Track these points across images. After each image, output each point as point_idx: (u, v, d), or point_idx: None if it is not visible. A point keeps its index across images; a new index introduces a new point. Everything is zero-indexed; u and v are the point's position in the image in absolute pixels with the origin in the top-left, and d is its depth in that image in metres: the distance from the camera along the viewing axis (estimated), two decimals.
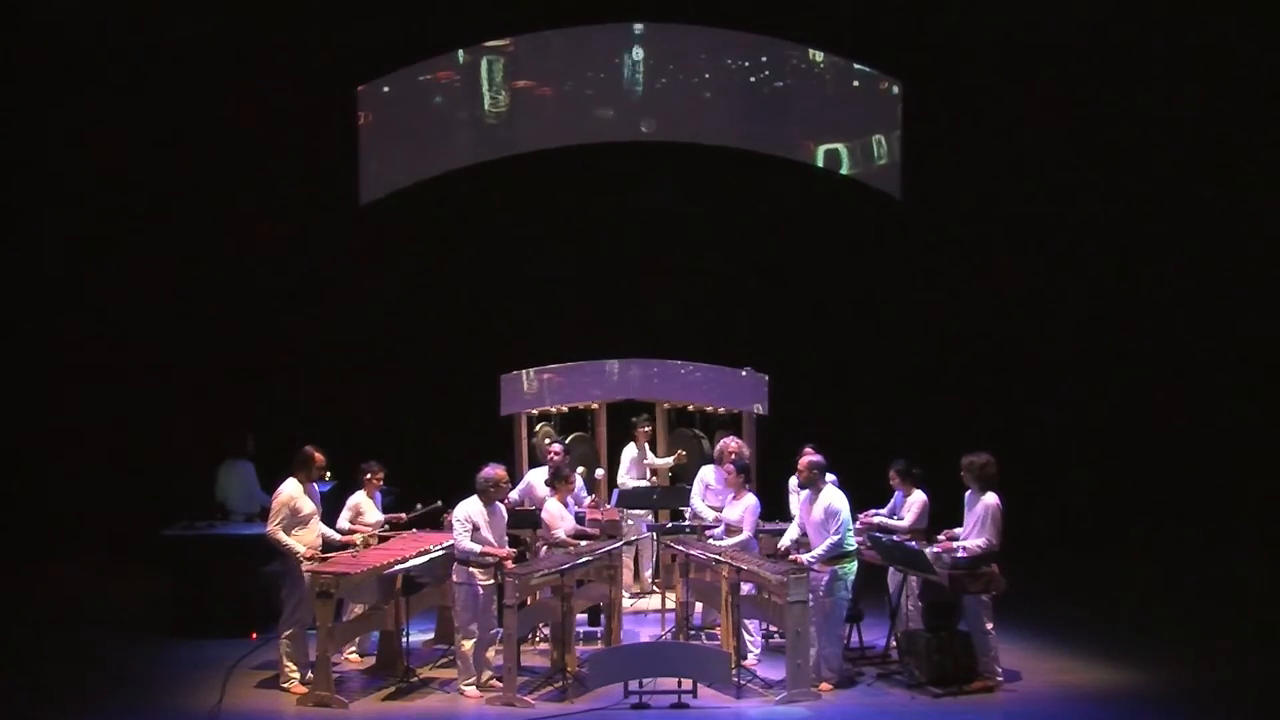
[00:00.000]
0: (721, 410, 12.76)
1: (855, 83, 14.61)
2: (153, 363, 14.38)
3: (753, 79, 14.47)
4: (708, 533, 10.93)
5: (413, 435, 14.23)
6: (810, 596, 9.62)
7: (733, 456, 10.92)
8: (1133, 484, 14.34)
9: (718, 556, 10.26)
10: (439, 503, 10.85)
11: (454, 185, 14.39)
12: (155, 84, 14.19)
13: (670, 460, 12.82)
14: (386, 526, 10.79)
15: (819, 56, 14.58)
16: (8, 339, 14.22)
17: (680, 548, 10.74)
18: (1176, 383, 14.62)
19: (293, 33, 14.17)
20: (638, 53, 14.41)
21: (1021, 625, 11.13)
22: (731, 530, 10.63)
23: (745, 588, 10.24)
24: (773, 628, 10.89)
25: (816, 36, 14.51)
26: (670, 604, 11.29)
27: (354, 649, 10.84)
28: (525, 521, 10.84)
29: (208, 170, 14.33)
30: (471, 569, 9.74)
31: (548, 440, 12.28)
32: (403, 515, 10.92)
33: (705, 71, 14.48)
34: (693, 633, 11.10)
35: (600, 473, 12.70)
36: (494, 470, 9.97)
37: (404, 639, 10.26)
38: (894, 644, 10.41)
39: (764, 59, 14.45)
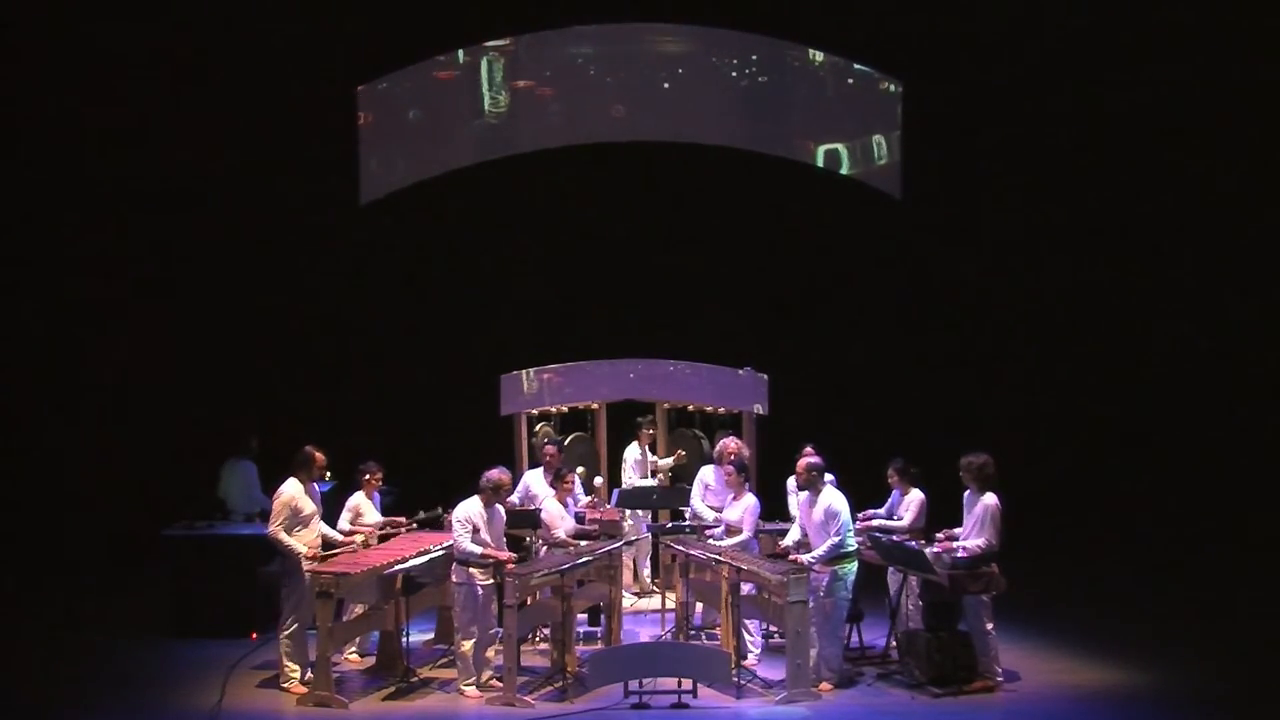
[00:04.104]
0: (721, 410, 12.76)
1: (855, 83, 14.60)
2: (153, 362, 14.38)
3: (753, 79, 14.47)
4: (708, 532, 10.93)
5: (412, 435, 14.21)
6: (810, 597, 9.63)
7: (732, 457, 10.91)
8: (1134, 483, 14.37)
9: (718, 556, 10.26)
10: (439, 510, 10.83)
11: (454, 185, 14.39)
12: (155, 83, 14.19)
13: (670, 461, 12.82)
14: (386, 529, 10.76)
15: (819, 56, 14.56)
16: (7, 341, 14.22)
17: (680, 548, 10.74)
18: (1181, 382, 14.64)
19: (293, 33, 14.17)
20: (638, 53, 14.40)
21: (1021, 625, 11.13)
22: (731, 530, 10.62)
23: (745, 588, 10.24)
24: (773, 628, 10.89)
25: (816, 36, 14.50)
26: (670, 604, 11.29)
27: (354, 649, 10.84)
28: (525, 522, 10.84)
29: (207, 170, 14.33)
30: (471, 569, 9.74)
31: (545, 440, 12.27)
32: (403, 520, 10.88)
33: (705, 71, 14.47)
34: (693, 633, 11.10)
35: (599, 481, 12.68)
36: (498, 473, 9.97)
37: (404, 639, 10.26)
38: (894, 644, 10.41)
39: (764, 59, 14.44)
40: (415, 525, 10.86)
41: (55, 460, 14.23)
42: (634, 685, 9.55)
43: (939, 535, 10.23)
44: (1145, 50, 14.44)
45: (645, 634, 11.44)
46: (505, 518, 10.20)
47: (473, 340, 14.50)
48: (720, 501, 11.09)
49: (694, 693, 9.56)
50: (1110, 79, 14.61)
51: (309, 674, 9.84)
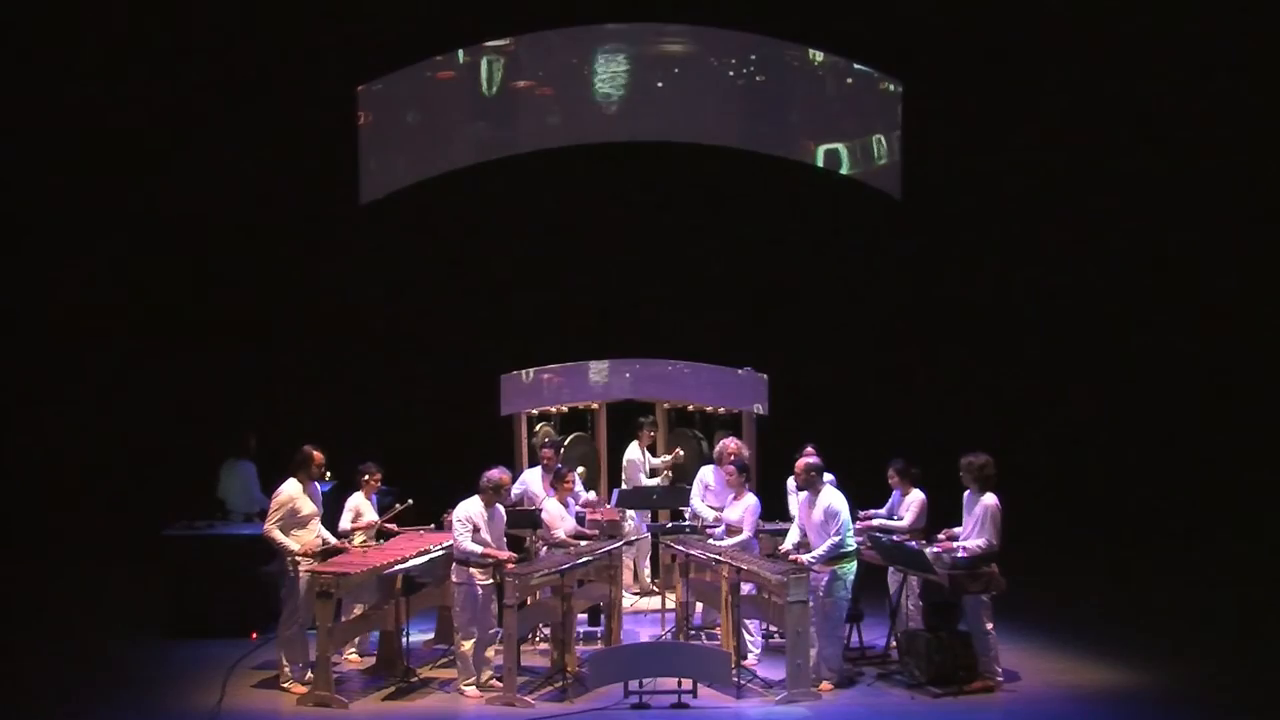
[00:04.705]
0: (721, 410, 12.75)
1: (855, 82, 14.59)
2: (153, 362, 14.39)
3: (752, 79, 14.46)
4: (708, 532, 10.94)
5: (413, 435, 14.21)
6: (810, 596, 9.63)
7: (732, 457, 10.90)
8: (1133, 482, 14.37)
9: (718, 556, 10.26)
10: (409, 502, 10.81)
11: (454, 185, 14.39)
12: (155, 84, 14.19)
13: (668, 459, 12.81)
14: (380, 537, 10.75)
15: (819, 56, 14.57)
16: (7, 338, 14.22)
17: (680, 548, 10.74)
18: (1177, 380, 14.64)
19: (293, 33, 14.17)
20: (638, 52, 14.40)
21: (1021, 625, 11.13)
22: (732, 530, 10.62)
23: (745, 588, 10.24)
24: (773, 628, 10.89)
25: (816, 36, 14.50)
26: (670, 604, 11.29)
27: (354, 649, 10.84)
28: (525, 521, 10.84)
29: (208, 170, 14.33)
30: (471, 569, 9.75)
31: (544, 441, 12.26)
32: (387, 518, 10.86)
33: (705, 71, 14.47)
34: (693, 633, 11.10)
35: (583, 470, 12.66)
36: (498, 473, 9.97)
37: (404, 639, 10.26)
38: (894, 644, 10.41)
39: (764, 59, 14.44)
40: (390, 514, 10.80)
41: (55, 459, 14.22)
42: (634, 685, 9.55)
43: (939, 535, 10.23)
44: (1145, 50, 14.44)
45: (645, 634, 11.44)
46: (505, 518, 10.20)
47: (473, 340, 14.50)
48: (720, 501, 11.09)
49: (694, 693, 9.57)
50: (1111, 78, 14.61)
51: (308, 674, 9.84)
